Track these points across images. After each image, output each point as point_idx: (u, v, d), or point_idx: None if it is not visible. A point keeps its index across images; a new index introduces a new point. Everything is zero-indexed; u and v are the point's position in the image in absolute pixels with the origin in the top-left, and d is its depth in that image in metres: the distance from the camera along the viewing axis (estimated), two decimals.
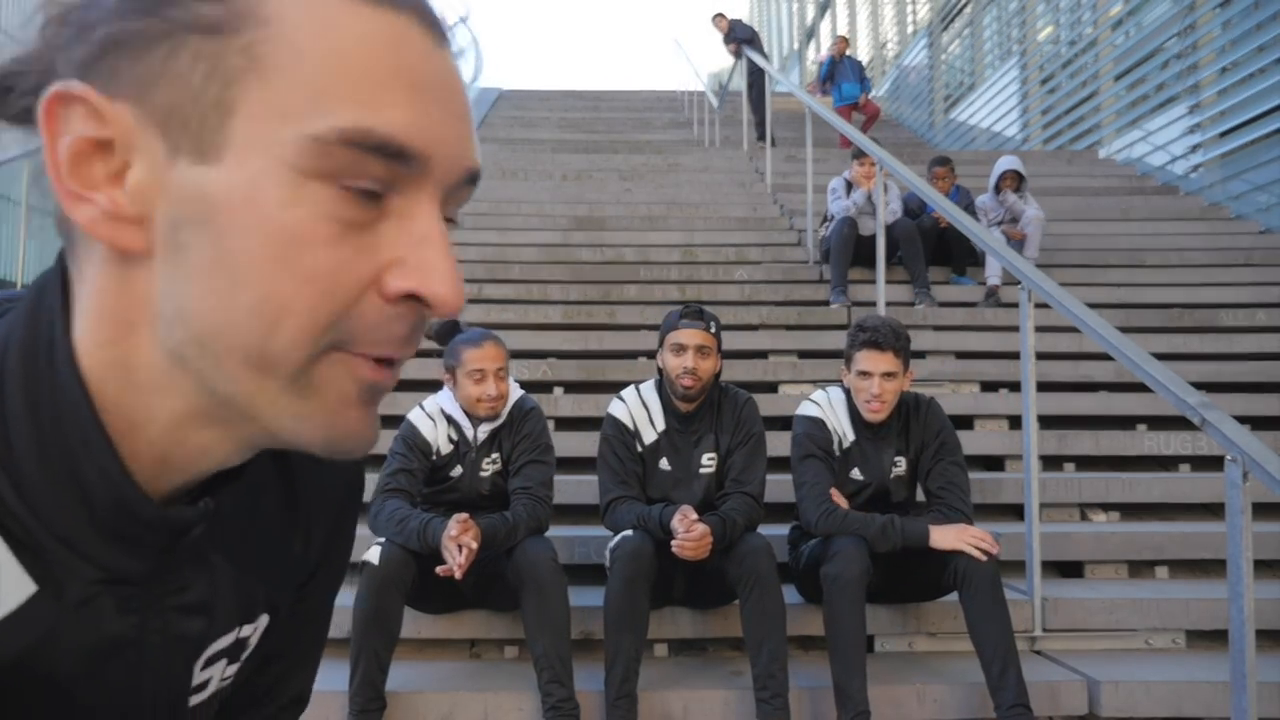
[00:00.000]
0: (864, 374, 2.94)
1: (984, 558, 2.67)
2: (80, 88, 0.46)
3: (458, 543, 2.58)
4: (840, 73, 11.15)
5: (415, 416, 2.99)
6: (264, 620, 0.65)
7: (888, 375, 2.92)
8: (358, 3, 0.47)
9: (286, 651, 0.72)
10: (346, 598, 2.67)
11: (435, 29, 0.50)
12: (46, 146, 0.47)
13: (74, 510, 0.50)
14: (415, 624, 3.04)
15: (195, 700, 0.61)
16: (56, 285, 0.51)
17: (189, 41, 0.46)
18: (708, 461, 3.01)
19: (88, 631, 0.52)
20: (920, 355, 5.19)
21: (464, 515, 2.66)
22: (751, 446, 2.97)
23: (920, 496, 3.13)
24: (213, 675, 0.62)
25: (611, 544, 2.84)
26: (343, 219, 0.47)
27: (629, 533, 2.80)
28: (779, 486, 3.90)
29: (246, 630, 0.64)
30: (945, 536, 2.74)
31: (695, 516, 2.73)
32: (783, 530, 3.32)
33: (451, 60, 0.51)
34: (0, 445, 0.49)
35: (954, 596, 2.75)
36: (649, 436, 3.03)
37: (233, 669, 0.65)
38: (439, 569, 2.62)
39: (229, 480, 0.56)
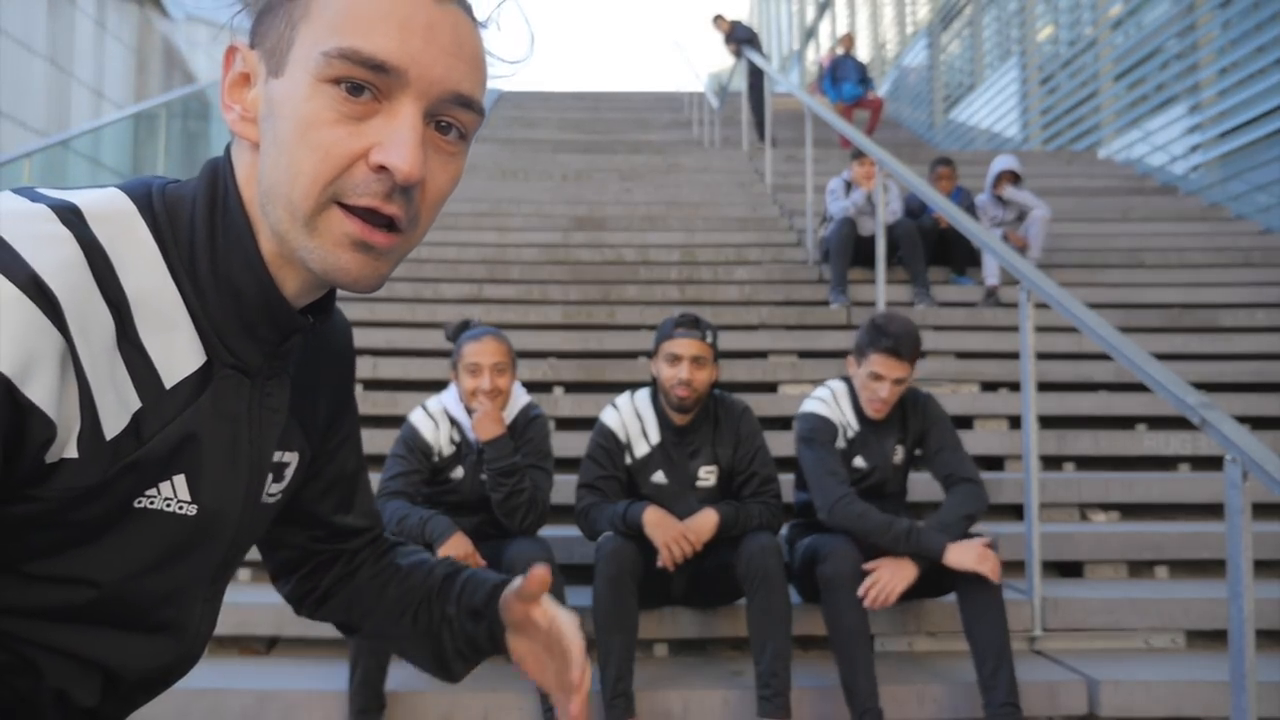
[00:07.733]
0: (876, 376, 2.93)
1: (993, 580, 2.66)
2: (238, 41, 0.75)
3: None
4: (843, 72, 11.12)
5: (416, 418, 2.98)
6: (295, 458, 0.88)
7: (898, 381, 2.94)
8: None
9: (341, 474, 0.98)
10: None
11: None
12: (222, 77, 0.75)
13: (229, 308, 0.74)
14: None
15: (265, 498, 0.84)
16: (227, 160, 0.76)
17: (284, 8, 0.72)
18: (705, 475, 2.98)
19: (221, 402, 0.75)
20: (921, 355, 5.18)
21: (467, 549, 2.68)
22: (760, 461, 2.96)
23: (912, 494, 3.13)
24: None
25: (596, 545, 2.84)
26: (341, 110, 0.69)
27: (610, 532, 2.81)
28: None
29: (287, 457, 0.87)
30: (963, 557, 2.68)
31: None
32: (781, 530, 3.32)
33: (454, 13, 0.72)
34: (187, 258, 0.73)
35: (953, 596, 2.75)
36: (641, 449, 2.99)
37: (277, 489, 0.87)
38: None
39: (313, 317, 0.81)
